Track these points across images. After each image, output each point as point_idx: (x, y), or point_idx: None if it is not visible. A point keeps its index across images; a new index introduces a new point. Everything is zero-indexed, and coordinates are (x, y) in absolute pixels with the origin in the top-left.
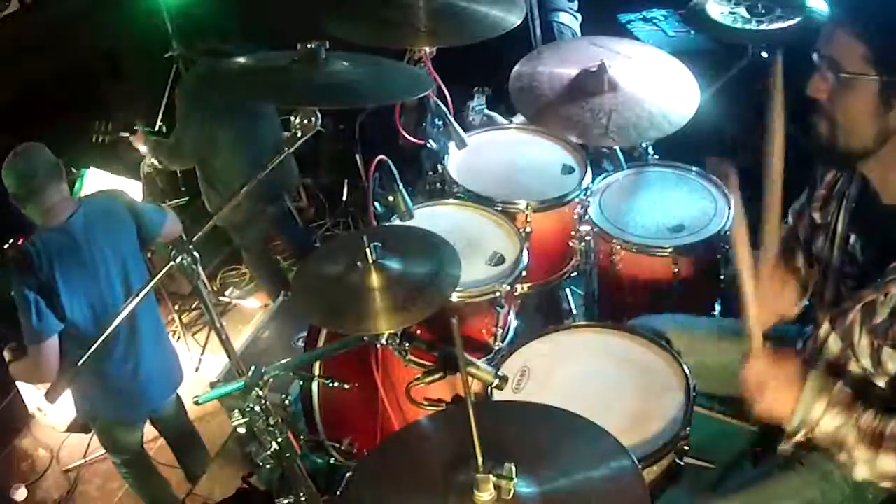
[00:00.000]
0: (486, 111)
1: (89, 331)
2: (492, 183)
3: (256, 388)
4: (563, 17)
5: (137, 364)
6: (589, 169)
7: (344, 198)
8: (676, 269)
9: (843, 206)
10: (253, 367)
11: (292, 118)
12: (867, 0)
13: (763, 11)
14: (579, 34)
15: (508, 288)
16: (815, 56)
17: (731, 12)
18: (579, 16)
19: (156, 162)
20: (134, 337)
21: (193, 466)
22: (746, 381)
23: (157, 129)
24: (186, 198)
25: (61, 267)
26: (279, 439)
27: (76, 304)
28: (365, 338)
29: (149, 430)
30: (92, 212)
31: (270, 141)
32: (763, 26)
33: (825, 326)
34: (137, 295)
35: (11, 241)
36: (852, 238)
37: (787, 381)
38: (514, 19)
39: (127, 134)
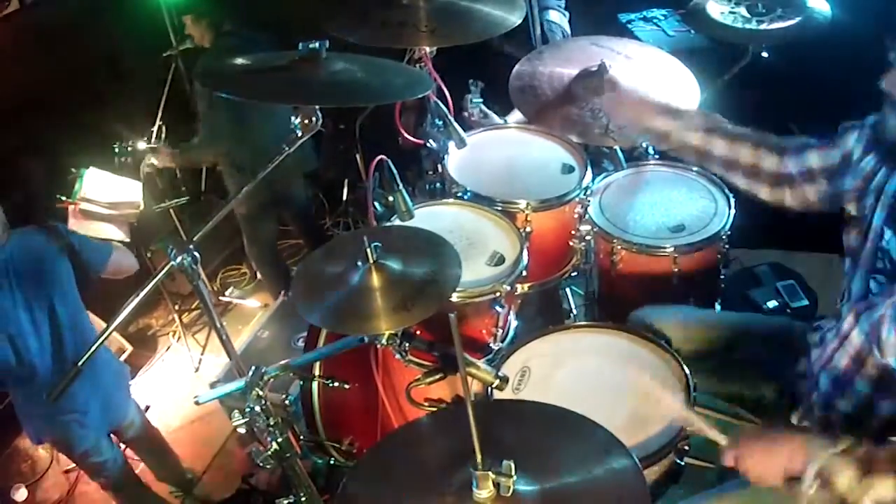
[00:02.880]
0: (483, 107)
1: (10, 365)
2: (492, 183)
3: (256, 388)
4: (553, 16)
5: (73, 396)
6: (589, 168)
7: (344, 198)
8: (677, 269)
9: (881, 202)
10: (253, 367)
11: (293, 117)
12: None
13: (763, 11)
14: (569, 30)
15: (508, 288)
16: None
17: (731, 12)
18: (567, 12)
19: (155, 163)
20: (66, 361)
21: (163, 472)
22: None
23: (158, 129)
24: (186, 198)
25: None
26: (279, 439)
27: None
28: (365, 338)
29: None
30: (17, 250)
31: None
32: (763, 26)
33: (850, 319)
34: (138, 295)
35: None
36: (887, 234)
37: (771, 443)
38: (515, 19)
39: (150, 157)
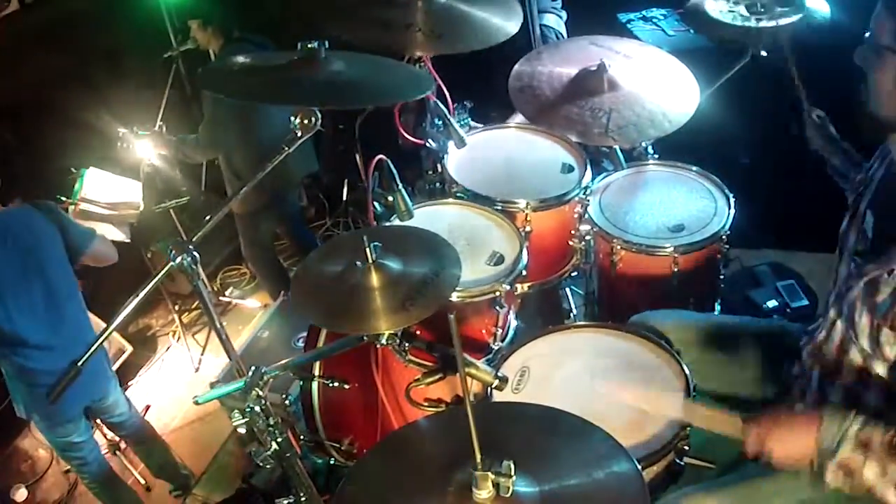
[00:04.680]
0: (472, 123)
1: (4, 327)
2: (491, 182)
3: (256, 388)
4: (549, 19)
5: (60, 358)
6: (588, 168)
7: (344, 198)
8: (676, 269)
9: (868, 187)
10: (253, 367)
11: (292, 118)
12: None
13: (762, 10)
14: (564, 33)
15: (508, 287)
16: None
17: (729, 11)
18: (564, 13)
19: (155, 158)
20: (58, 330)
21: (158, 467)
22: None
23: (158, 129)
24: (187, 198)
25: None
26: (279, 439)
27: None
28: (365, 338)
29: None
30: (10, 219)
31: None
32: (762, 24)
33: (836, 307)
34: (138, 295)
35: None
36: (868, 215)
37: (795, 427)
38: (513, 27)
39: (146, 133)
